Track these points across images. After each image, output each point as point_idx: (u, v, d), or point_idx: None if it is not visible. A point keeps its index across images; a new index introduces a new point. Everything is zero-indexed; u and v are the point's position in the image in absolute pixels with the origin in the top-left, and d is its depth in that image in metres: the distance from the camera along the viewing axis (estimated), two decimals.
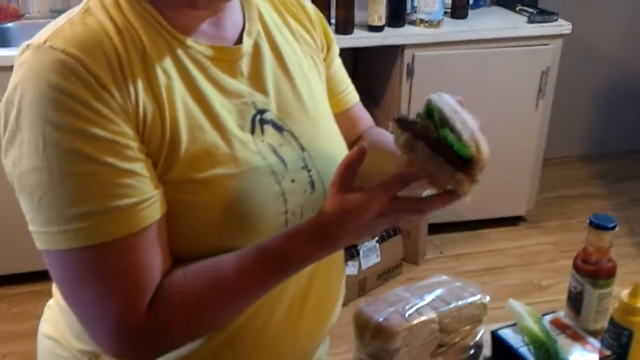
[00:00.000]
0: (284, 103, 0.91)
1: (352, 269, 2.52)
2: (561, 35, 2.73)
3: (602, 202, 3.30)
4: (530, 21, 2.72)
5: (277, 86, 0.91)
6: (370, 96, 2.99)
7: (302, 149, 0.90)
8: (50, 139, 0.72)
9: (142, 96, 0.77)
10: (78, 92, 0.73)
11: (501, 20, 2.80)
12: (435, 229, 2.90)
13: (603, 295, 1.11)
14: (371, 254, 2.58)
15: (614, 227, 1.08)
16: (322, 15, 1.04)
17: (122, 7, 0.80)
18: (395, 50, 2.62)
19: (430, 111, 0.77)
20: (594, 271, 1.11)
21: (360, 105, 1.13)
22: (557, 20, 2.74)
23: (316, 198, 0.89)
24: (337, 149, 0.96)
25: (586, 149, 3.74)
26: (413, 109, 2.68)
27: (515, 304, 1.11)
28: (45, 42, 0.75)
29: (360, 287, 2.56)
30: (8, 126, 0.75)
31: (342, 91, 1.08)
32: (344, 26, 2.56)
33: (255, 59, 0.90)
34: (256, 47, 0.90)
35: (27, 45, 0.77)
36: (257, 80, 0.89)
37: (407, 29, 2.65)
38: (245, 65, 0.88)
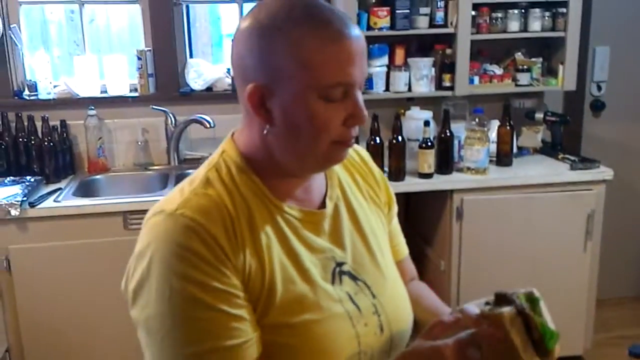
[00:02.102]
0: (358, 256, 1.07)
1: None
2: (604, 181, 2.82)
3: None
4: (572, 168, 2.84)
5: (352, 242, 1.07)
6: (423, 237, 3.14)
7: (374, 296, 1.04)
8: (176, 288, 0.86)
9: (249, 254, 0.92)
10: (201, 251, 0.87)
11: (544, 167, 2.94)
12: None
13: None
14: None
15: None
16: (385, 177, 1.22)
17: (236, 180, 0.97)
18: (445, 194, 2.78)
19: (534, 299, 0.89)
20: None
21: (409, 257, 1.29)
22: (599, 167, 2.84)
23: (384, 340, 1.03)
24: (401, 297, 1.11)
25: None
26: (464, 250, 2.81)
27: None
28: (176, 210, 0.91)
29: None
30: (137, 276, 0.90)
31: (396, 244, 1.25)
32: (396, 174, 2.76)
33: (335, 219, 1.06)
34: (336, 209, 1.07)
35: (161, 211, 0.92)
36: (336, 237, 1.05)
37: (455, 176, 2.83)
38: (327, 224, 1.05)
